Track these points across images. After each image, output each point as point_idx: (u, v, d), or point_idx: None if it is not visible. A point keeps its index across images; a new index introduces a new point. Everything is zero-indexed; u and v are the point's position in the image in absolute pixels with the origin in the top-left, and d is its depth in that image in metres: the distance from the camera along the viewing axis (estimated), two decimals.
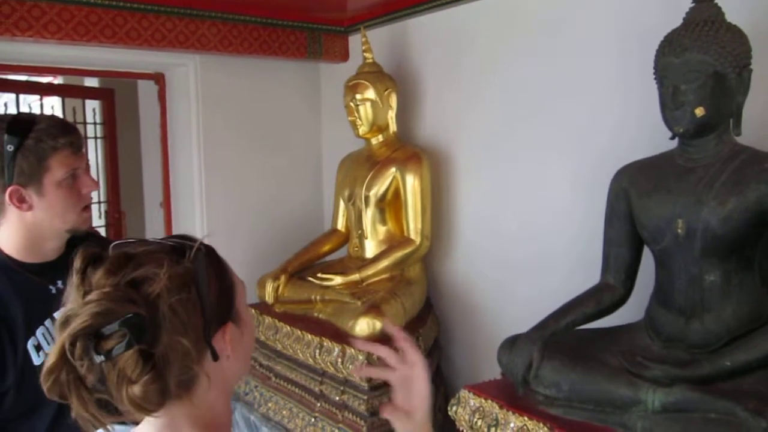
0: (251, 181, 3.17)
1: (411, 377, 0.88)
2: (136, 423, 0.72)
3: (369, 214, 2.59)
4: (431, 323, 2.51)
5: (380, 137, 2.62)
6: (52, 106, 4.43)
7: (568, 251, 2.18)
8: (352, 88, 2.57)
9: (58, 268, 1.29)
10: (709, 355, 1.43)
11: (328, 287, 2.47)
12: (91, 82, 4.36)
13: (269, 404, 2.47)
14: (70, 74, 3.67)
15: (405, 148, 2.58)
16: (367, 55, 2.66)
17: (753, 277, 1.48)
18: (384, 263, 2.47)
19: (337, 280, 2.47)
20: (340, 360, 2.18)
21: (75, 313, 0.65)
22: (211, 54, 2.83)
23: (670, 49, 1.46)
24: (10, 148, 1.18)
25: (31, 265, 1.28)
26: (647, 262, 1.67)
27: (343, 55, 3.19)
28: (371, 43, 2.68)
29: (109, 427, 0.69)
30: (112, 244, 0.72)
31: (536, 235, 2.30)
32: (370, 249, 2.60)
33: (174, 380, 0.68)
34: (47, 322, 1.26)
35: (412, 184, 2.49)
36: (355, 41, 3.10)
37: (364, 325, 2.19)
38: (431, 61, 2.70)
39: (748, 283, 1.48)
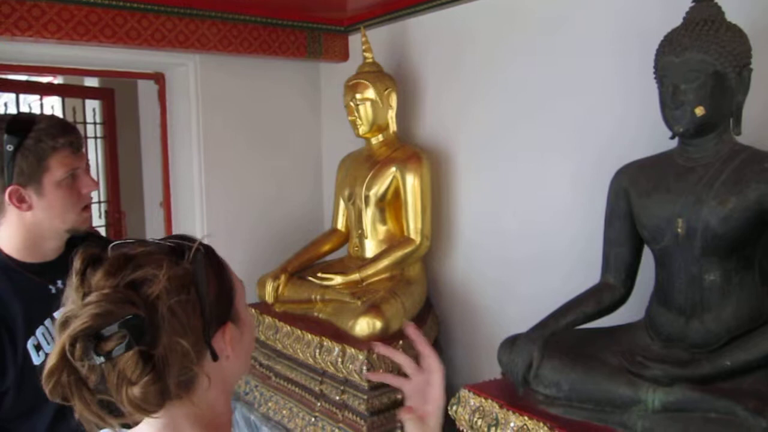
0: (251, 181, 3.17)
1: (427, 384, 0.88)
2: (136, 423, 0.72)
3: (369, 214, 2.59)
4: (431, 323, 2.51)
5: (380, 137, 2.62)
6: (52, 105, 4.43)
7: (568, 250, 2.18)
8: (352, 87, 2.57)
9: (57, 267, 1.29)
10: (709, 355, 1.43)
11: (328, 287, 2.47)
12: (91, 82, 4.36)
13: (269, 404, 2.47)
14: (70, 74, 3.68)
15: (405, 148, 2.58)
16: (367, 54, 2.66)
17: (753, 276, 1.48)
18: (384, 263, 2.47)
19: (337, 279, 2.47)
20: (340, 360, 2.18)
21: (74, 315, 0.65)
22: (211, 54, 2.83)
23: (670, 48, 1.46)
24: (9, 147, 1.18)
25: (31, 265, 1.28)
26: (647, 261, 1.67)
27: (343, 55, 3.19)
28: (371, 43, 2.68)
29: (117, 429, 0.69)
30: (111, 245, 0.72)
31: (536, 234, 2.30)
32: (370, 249, 2.60)
33: (174, 381, 0.68)
34: (47, 322, 1.26)
35: (412, 184, 2.49)
36: (355, 41, 3.10)
37: (364, 325, 2.19)
38: (431, 60, 2.70)
39: (748, 282, 1.48)
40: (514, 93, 2.34)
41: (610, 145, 2.00)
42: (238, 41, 2.81)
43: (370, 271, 2.46)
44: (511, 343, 1.64)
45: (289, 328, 2.45)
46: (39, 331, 1.25)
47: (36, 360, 1.23)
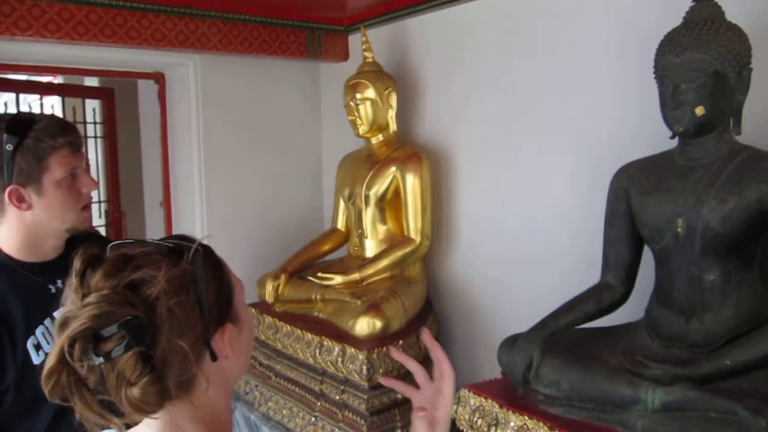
0: (251, 181, 3.17)
1: (438, 392, 0.89)
2: (135, 423, 0.72)
3: (369, 214, 2.59)
4: (431, 322, 2.51)
5: (380, 136, 2.62)
6: (52, 105, 4.42)
7: (568, 250, 2.18)
8: (352, 87, 2.57)
9: (57, 267, 1.29)
10: (709, 355, 1.43)
11: (328, 286, 2.47)
12: (91, 82, 4.36)
13: (269, 404, 2.47)
14: (70, 74, 3.67)
15: (405, 148, 2.58)
16: (367, 54, 2.66)
17: (753, 276, 1.48)
18: (384, 262, 2.47)
19: (337, 279, 2.47)
20: (340, 359, 2.18)
21: (74, 315, 0.65)
22: (211, 53, 2.83)
23: (670, 48, 1.46)
24: (9, 147, 1.18)
25: (31, 265, 1.28)
26: (647, 261, 1.67)
27: (343, 55, 3.19)
28: (371, 43, 2.68)
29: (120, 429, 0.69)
30: (110, 246, 0.72)
31: (536, 233, 2.30)
32: (370, 248, 2.60)
33: (173, 381, 0.68)
34: (47, 322, 1.26)
35: (412, 184, 2.49)
36: (354, 40, 3.10)
37: (364, 325, 2.19)
38: (431, 60, 2.70)
39: (749, 282, 1.48)
40: (514, 93, 2.34)
41: (610, 145, 2.00)
42: (238, 41, 2.81)
43: (370, 270, 2.46)
44: (511, 342, 1.64)
45: (289, 327, 2.45)
46: (39, 331, 1.25)
47: (36, 359, 1.23)
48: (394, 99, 2.57)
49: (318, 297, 2.48)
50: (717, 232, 1.42)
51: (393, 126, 2.61)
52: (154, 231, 3.69)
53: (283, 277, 2.59)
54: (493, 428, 1.59)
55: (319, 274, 2.52)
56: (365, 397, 2.09)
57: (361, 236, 2.63)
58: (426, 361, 2.25)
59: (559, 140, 2.19)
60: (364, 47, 2.67)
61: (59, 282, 1.29)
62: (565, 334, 1.64)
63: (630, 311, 1.72)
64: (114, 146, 3.90)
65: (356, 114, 2.56)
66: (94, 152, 4.08)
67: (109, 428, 0.70)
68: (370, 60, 2.65)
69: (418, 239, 2.49)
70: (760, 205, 1.39)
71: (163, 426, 0.71)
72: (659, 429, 1.36)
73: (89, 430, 0.69)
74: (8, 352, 1.21)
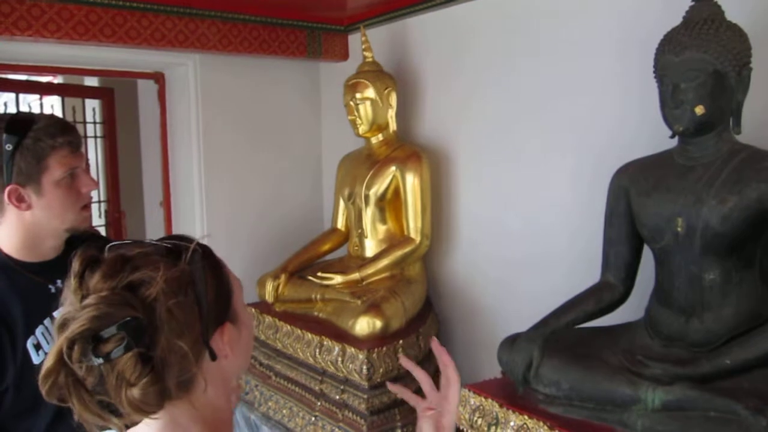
0: (251, 181, 3.17)
1: (444, 399, 0.89)
2: (135, 423, 0.72)
3: (369, 213, 2.59)
4: (431, 322, 2.51)
5: (380, 136, 2.62)
6: (52, 105, 4.42)
7: (568, 249, 2.18)
8: (351, 87, 2.57)
9: (57, 267, 1.29)
10: (708, 354, 1.43)
11: (328, 286, 2.47)
12: (91, 82, 4.35)
13: (269, 403, 2.47)
14: (70, 73, 3.67)
15: (405, 147, 2.58)
16: (366, 54, 2.66)
17: (753, 275, 1.48)
18: (384, 262, 2.47)
19: (337, 279, 2.47)
20: (340, 359, 2.18)
21: (73, 317, 0.65)
22: (210, 53, 2.83)
23: (669, 47, 1.46)
24: (8, 147, 1.18)
25: (31, 265, 1.28)
26: (647, 260, 1.67)
27: (343, 54, 3.19)
28: (371, 42, 2.68)
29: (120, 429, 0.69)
30: (108, 246, 0.72)
31: (536, 233, 2.30)
32: (370, 248, 2.60)
33: (173, 381, 0.68)
34: (47, 321, 1.26)
35: (412, 183, 2.49)
36: (354, 40, 3.10)
37: (364, 324, 2.19)
38: (431, 59, 2.70)
39: (748, 281, 1.48)
40: (515, 92, 2.34)
41: (610, 144, 2.00)
42: (238, 41, 2.81)
43: (370, 270, 2.46)
44: (511, 342, 1.64)
45: (289, 327, 2.45)
46: (38, 331, 1.25)
47: (35, 359, 1.23)
48: (393, 99, 2.57)
49: (318, 297, 2.48)
50: (717, 232, 1.42)
51: (393, 126, 2.61)
52: (154, 231, 3.69)
53: (283, 277, 2.59)
54: (493, 428, 1.59)
55: (319, 274, 2.52)
56: (365, 396, 2.09)
57: (361, 236, 2.63)
58: (426, 363, 2.26)
59: (561, 140, 2.19)
60: (363, 47, 2.67)
61: (59, 282, 1.29)
62: (565, 334, 1.64)
63: (630, 311, 1.72)
64: (114, 146, 3.90)
65: (356, 114, 2.55)
66: (94, 152, 4.08)
67: (108, 428, 0.70)
68: (370, 60, 2.65)
69: (417, 239, 2.49)
70: (760, 205, 1.39)
71: (163, 426, 0.71)
72: (659, 428, 1.36)
73: (88, 430, 0.69)
74: (8, 352, 1.21)
